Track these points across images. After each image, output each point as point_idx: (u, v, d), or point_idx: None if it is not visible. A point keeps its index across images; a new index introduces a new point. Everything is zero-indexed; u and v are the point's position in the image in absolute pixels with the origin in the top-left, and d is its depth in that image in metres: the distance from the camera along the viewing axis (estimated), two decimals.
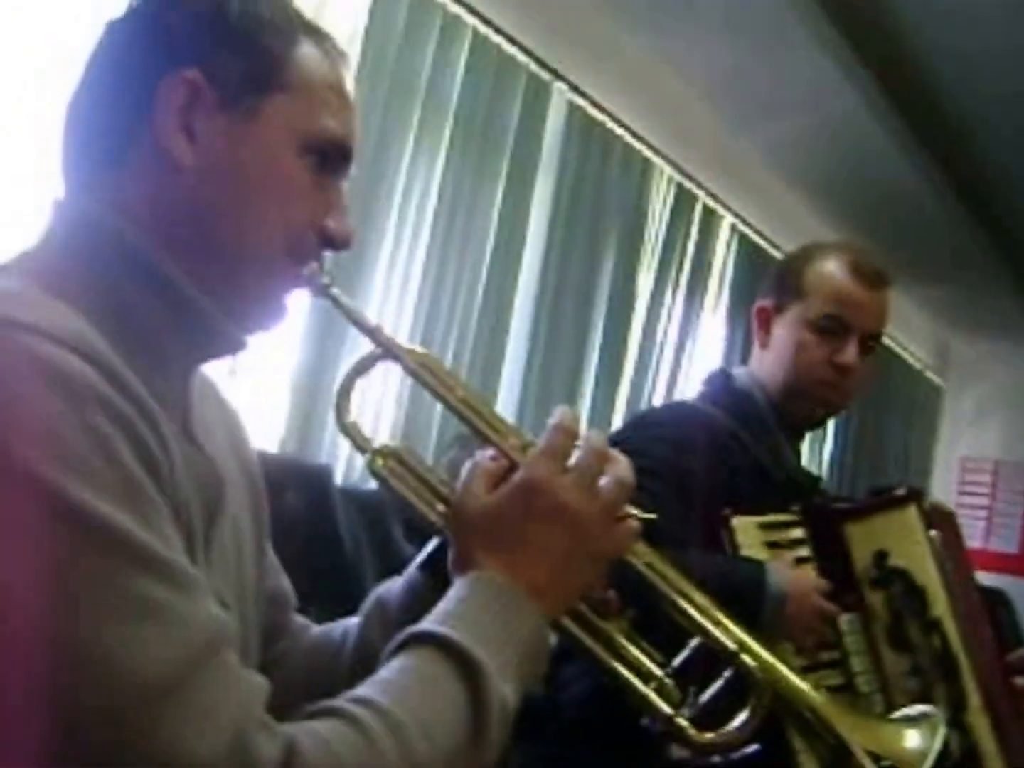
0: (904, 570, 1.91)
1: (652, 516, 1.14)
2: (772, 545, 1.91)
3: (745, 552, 1.89)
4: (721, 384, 2.20)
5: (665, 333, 5.07)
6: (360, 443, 1.16)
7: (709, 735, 1.13)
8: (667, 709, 1.14)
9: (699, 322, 5.28)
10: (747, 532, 1.89)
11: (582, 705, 2.00)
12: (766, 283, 2.29)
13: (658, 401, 4.90)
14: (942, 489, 7.49)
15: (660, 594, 1.15)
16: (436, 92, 3.74)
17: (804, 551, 1.94)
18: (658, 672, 1.15)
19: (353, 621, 1.31)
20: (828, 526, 1.95)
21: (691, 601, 1.16)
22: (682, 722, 1.13)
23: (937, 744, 1.18)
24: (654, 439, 1.94)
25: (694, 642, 1.16)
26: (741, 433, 2.05)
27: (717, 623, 1.16)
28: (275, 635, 1.31)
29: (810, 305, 2.14)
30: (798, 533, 1.94)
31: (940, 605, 1.90)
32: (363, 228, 3.47)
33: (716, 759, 1.17)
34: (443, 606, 1.02)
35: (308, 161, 1.09)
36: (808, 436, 5.12)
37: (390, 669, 0.97)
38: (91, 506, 0.81)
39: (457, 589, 1.04)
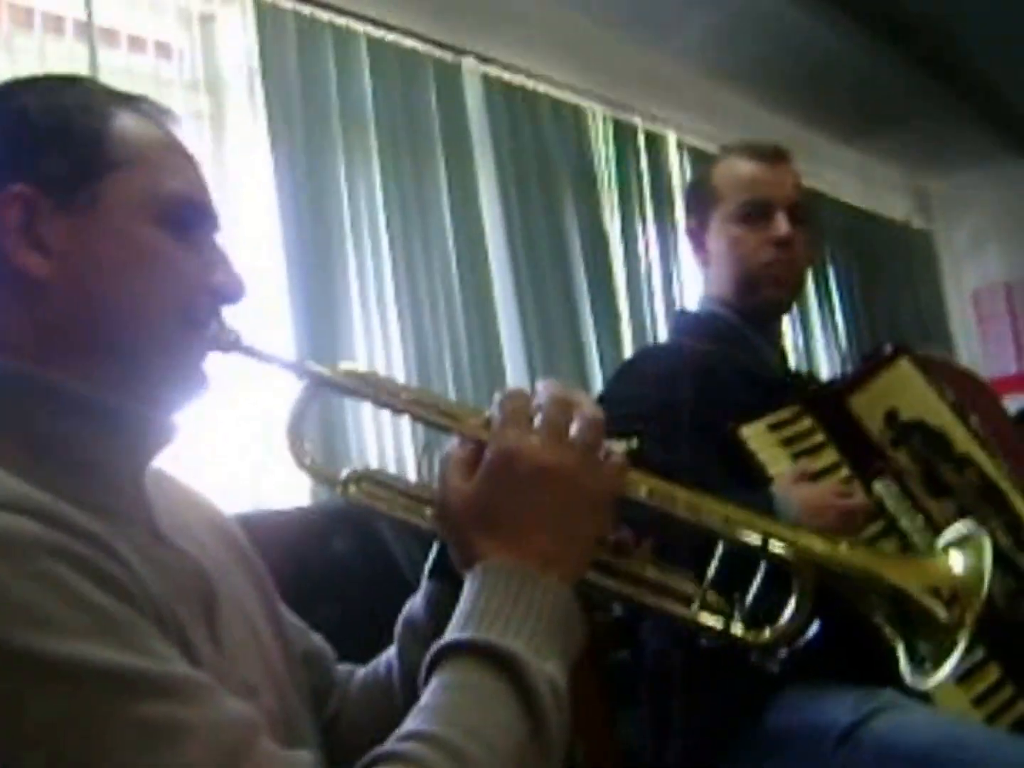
0: (918, 420, 1.93)
1: (632, 441, 1.12)
2: (787, 442, 1.92)
3: (763, 456, 1.89)
4: (684, 317, 2.25)
5: (648, 265, 5.06)
6: (326, 478, 1.16)
7: (766, 633, 1.14)
8: (717, 623, 1.14)
9: (677, 243, 5.27)
10: (758, 438, 1.90)
11: (663, 658, 2.01)
12: (685, 206, 2.36)
13: (663, 332, 4.89)
14: (962, 328, 7.45)
15: (671, 515, 1.14)
16: (351, 108, 3.74)
17: (820, 437, 1.95)
18: (695, 591, 1.16)
19: (392, 652, 1.30)
20: (832, 407, 1.96)
21: (704, 510, 1.15)
22: (736, 630, 1.14)
23: (988, 558, 1.17)
24: (638, 384, 1.96)
25: (720, 549, 1.15)
26: (720, 351, 2.06)
27: (736, 523, 1.15)
28: (324, 694, 1.29)
29: (726, 203, 2.18)
30: (807, 423, 1.95)
31: (963, 441, 1.92)
32: (325, 262, 3.51)
33: (784, 652, 1.16)
34: (461, 608, 1.00)
35: (167, 229, 1.07)
36: (819, 327, 5.05)
37: (428, 693, 0.95)
38: (64, 653, 0.79)
39: (469, 586, 1.02)
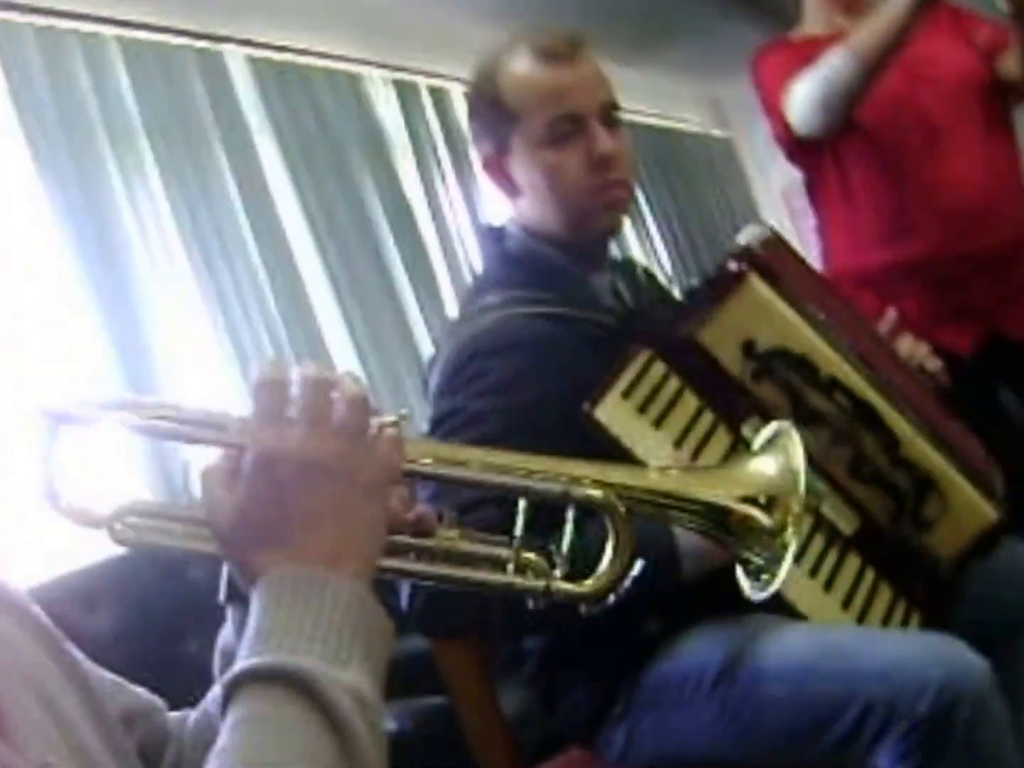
0: (778, 348, 1.79)
1: (400, 417, 1.03)
2: (644, 407, 1.74)
3: (627, 438, 1.72)
4: (498, 258, 1.95)
5: (456, 222, 4.92)
6: (91, 521, 1.04)
7: (588, 582, 1.06)
8: (538, 582, 1.07)
9: (482, 193, 5.12)
10: (616, 416, 1.72)
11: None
12: (471, 132, 1.98)
13: None
14: (779, 227, 7.43)
15: (463, 480, 1.08)
16: (114, 117, 3.50)
17: (674, 384, 1.80)
18: (509, 554, 1.08)
19: (217, 689, 1.19)
20: (681, 349, 1.80)
21: (497, 467, 1.08)
22: (558, 585, 1.06)
23: (798, 452, 1.14)
24: (486, 394, 1.74)
25: (523, 504, 1.07)
26: (555, 304, 1.85)
27: (533, 473, 1.08)
28: (158, 747, 1.19)
29: (529, 124, 1.86)
30: (659, 371, 1.79)
31: (829, 362, 1.79)
32: (120, 286, 3.32)
33: (612, 599, 1.07)
34: (247, 632, 0.93)
35: None
36: (640, 253, 4.88)
37: (225, 732, 0.88)
38: None
39: (253, 605, 0.94)
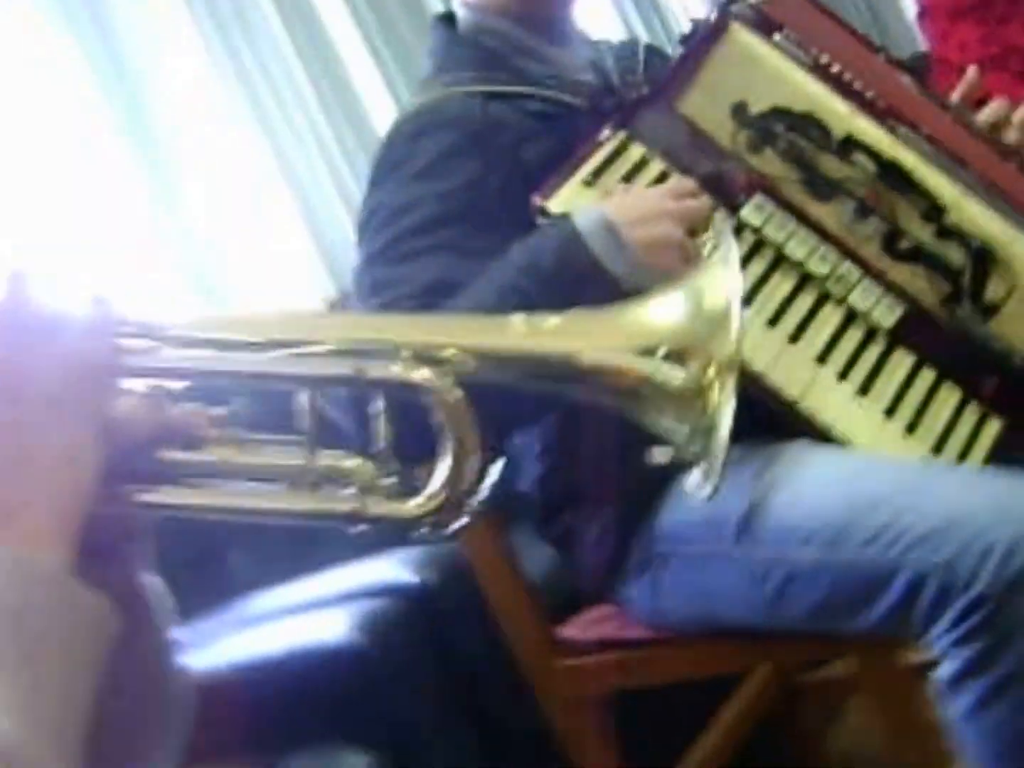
0: (776, 108, 1.43)
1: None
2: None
3: None
4: (446, 42, 1.64)
5: None
6: None
7: (417, 500, 0.73)
8: (342, 504, 0.74)
9: None
10: (570, 207, 1.41)
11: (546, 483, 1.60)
12: None
13: None
14: None
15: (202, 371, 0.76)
16: None
17: (657, 167, 1.46)
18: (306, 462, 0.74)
19: None
20: (659, 119, 1.46)
21: (268, 343, 0.75)
22: (375, 507, 0.74)
23: (733, 272, 0.81)
24: (412, 180, 1.46)
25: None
26: (503, 86, 1.52)
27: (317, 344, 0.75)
28: None
29: None
30: (637, 153, 1.46)
31: (842, 117, 1.42)
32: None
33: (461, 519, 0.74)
34: None
35: None
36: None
37: None
38: None
39: None
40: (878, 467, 1.35)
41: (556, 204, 1.41)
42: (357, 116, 3.41)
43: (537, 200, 1.41)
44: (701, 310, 0.78)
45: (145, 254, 2.93)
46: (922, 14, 2.57)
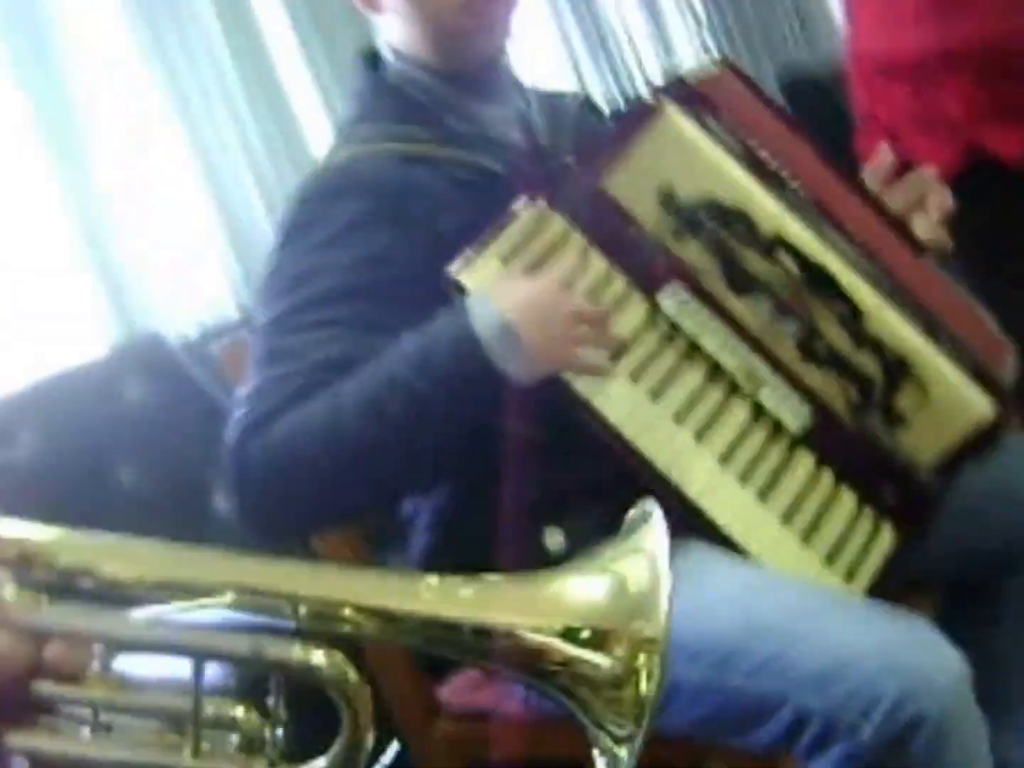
0: (704, 199, 1.40)
1: None
2: (534, 271, 1.39)
3: None
4: (372, 87, 1.57)
5: None
6: None
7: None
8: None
9: None
10: (485, 283, 1.37)
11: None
12: None
13: None
14: None
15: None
16: None
17: (578, 242, 1.42)
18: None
19: None
20: (584, 199, 1.42)
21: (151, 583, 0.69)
22: None
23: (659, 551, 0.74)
24: (318, 247, 1.40)
25: None
26: (430, 144, 1.48)
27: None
28: None
29: None
30: (558, 226, 1.42)
31: (771, 216, 1.39)
32: None
33: None
34: None
35: None
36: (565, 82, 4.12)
37: None
38: None
39: None
40: (773, 591, 1.32)
41: (470, 279, 1.37)
42: (286, 119, 3.34)
43: (451, 274, 1.37)
44: (626, 592, 0.72)
45: (55, 254, 2.86)
46: (853, 66, 2.54)
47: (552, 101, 1.69)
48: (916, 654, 1.20)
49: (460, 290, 1.36)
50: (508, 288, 1.33)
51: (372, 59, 1.58)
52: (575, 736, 1.49)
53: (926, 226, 1.55)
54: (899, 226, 1.54)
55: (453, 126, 1.51)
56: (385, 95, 1.55)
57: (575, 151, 1.45)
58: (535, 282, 1.34)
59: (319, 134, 3.26)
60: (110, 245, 2.93)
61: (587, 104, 1.75)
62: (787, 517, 1.42)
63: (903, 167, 1.60)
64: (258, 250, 3.22)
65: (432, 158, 1.46)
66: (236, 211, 3.24)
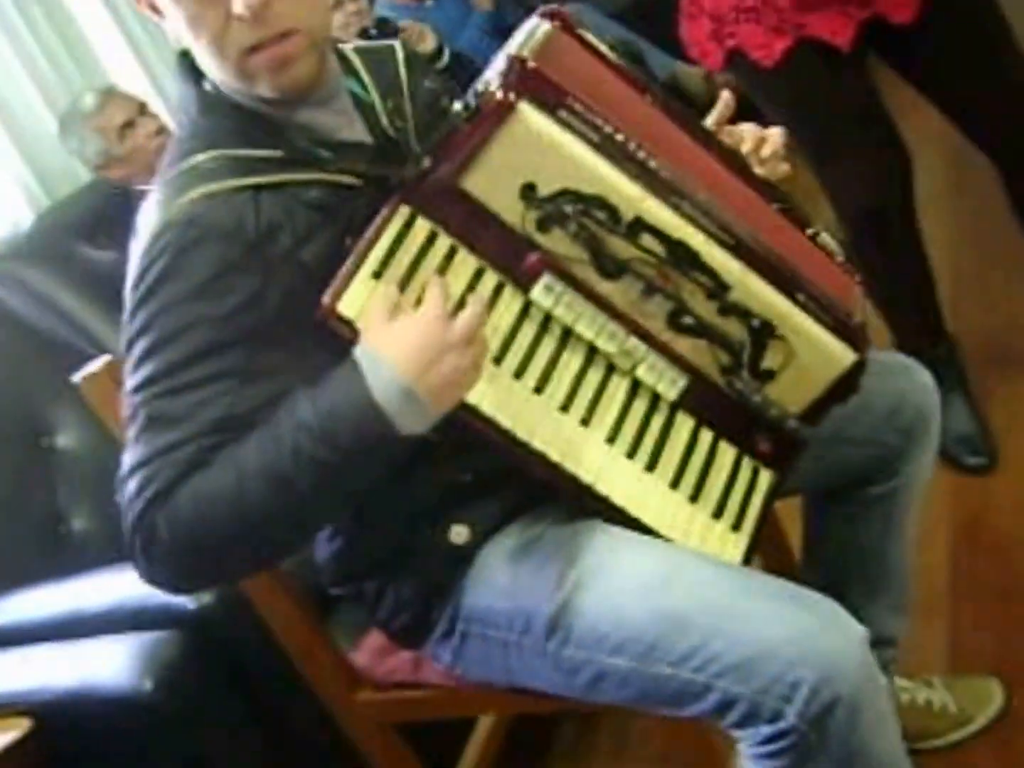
0: (565, 190, 1.40)
1: None
2: (406, 284, 1.37)
3: None
4: (197, 103, 1.46)
5: None
6: None
7: None
8: None
9: None
10: (360, 306, 1.35)
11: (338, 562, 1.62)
12: None
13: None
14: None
15: None
16: None
17: (445, 243, 1.42)
18: None
19: None
20: (443, 195, 1.41)
21: None
22: None
23: None
24: (183, 302, 1.33)
25: None
26: (275, 165, 1.40)
27: None
28: None
29: None
30: (423, 229, 1.41)
31: (630, 200, 1.41)
32: None
33: None
34: None
35: None
36: None
37: None
38: None
39: None
40: (685, 579, 1.38)
41: (348, 306, 1.35)
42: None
43: (325, 305, 1.34)
44: None
45: None
46: None
47: (374, 59, 1.63)
48: (829, 638, 1.28)
49: (339, 320, 1.35)
50: (391, 339, 1.30)
51: (188, 65, 1.48)
52: (493, 698, 1.61)
53: (771, 165, 1.62)
54: (750, 177, 1.59)
55: (294, 141, 1.44)
56: (214, 112, 1.46)
57: (430, 152, 1.42)
58: (416, 322, 1.31)
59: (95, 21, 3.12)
60: None
61: (412, 58, 1.69)
62: (675, 482, 1.50)
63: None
64: (44, 145, 3.09)
65: (282, 184, 1.40)
66: (15, 111, 3.08)
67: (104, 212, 3.06)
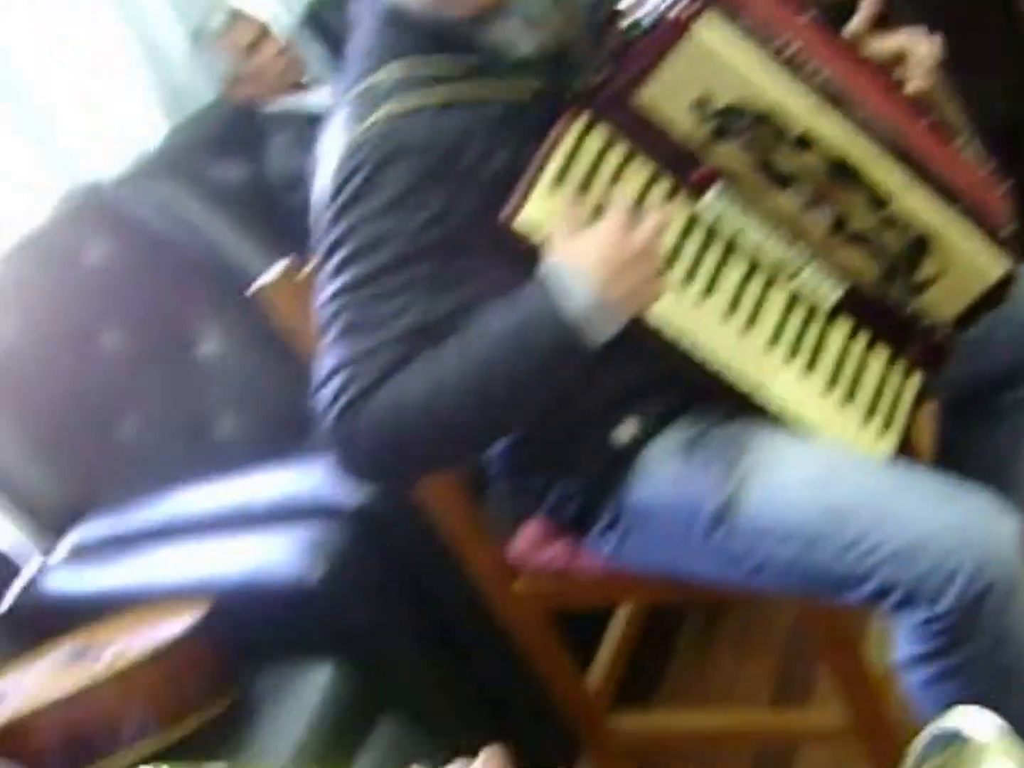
0: (734, 105, 1.47)
1: None
2: (584, 190, 1.46)
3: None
4: (373, 14, 1.53)
5: None
6: None
7: None
8: None
9: None
10: (544, 213, 1.43)
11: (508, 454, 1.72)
12: None
13: None
14: None
15: None
16: None
17: (621, 148, 1.49)
18: None
19: None
20: (617, 111, 1.47)
21: None
22: None
23: None
24: (379, 214, 1.41)
25: None
26: (459, 80, 1.47)
27: None
28: None
29: None
30: (600, 137, 1.48)
31: (796, 118, 1.47)
32: None
33: None
34: None
35: None
36: None
37: None
38: None
39: None
40: (848, 474, 1.47)
41: (524, 219, 1.43)
42: None
43: (504, 219, 1.43)
44: None
45: None
46: None
47: None
48: (984, 528, 1.36)
49: (515, 234, 1.43)
50: (578, 252, 1.39)
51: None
52: (648, 586, 1.70)
53: (920, 79, 1.66)
54: (900, 89, 1.64)
55: (475, 57, 1.49)
56: (393, 25, 1.51)
57: (606, 64, 1.48)
58: (601, 234, 1.40)
59: None
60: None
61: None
62: (831, 383, 1.58)
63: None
64: (176, 60, 3.18)
65: (465, 100, 1.47)
66: (146, 26, 3.17)
67: (230, 131, 3.15)
